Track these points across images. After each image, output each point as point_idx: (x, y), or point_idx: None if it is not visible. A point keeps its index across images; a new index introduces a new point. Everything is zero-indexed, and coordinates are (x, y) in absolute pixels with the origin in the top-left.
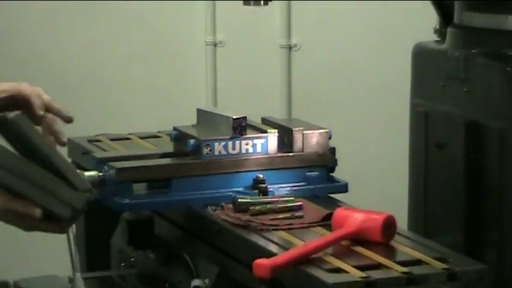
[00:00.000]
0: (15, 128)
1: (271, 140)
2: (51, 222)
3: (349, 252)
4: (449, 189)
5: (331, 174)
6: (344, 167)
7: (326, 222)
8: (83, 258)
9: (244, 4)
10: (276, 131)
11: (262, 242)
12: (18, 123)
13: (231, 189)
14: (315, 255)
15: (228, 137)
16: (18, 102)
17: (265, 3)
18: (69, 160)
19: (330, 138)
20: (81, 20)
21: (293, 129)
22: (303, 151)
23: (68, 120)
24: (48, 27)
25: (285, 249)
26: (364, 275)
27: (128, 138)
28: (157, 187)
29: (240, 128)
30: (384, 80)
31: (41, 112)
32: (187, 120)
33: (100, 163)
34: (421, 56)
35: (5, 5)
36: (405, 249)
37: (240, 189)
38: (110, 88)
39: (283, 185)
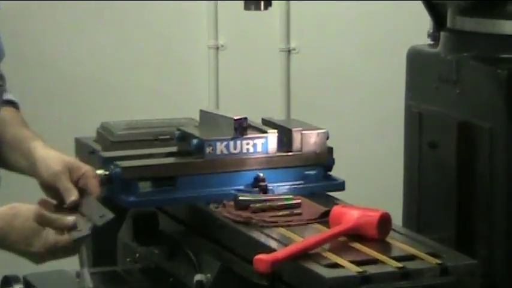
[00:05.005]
0: None
1: (271, 140)
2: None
3: (346, 248)
4: (442, 187)
5: (329, 172)
6: (341, 165)
7: (324, 219)
8: (90, 253)
9: (245, 9)
10: (276, 131)
11: (262, 238)
12: None
13: (232, 187)
14: (313, 251)
15: (230, 137)
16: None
17: (266, 7)
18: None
19: (327, 138)
20: (87, 25)
21: (292, 129)
22: (301, 150)
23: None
24: (54, 32)
25: (285, 245)
26: (361, 270)
27: None
28: (162, 185)
29: (241, 128)
30: (380, 82)
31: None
32: None
33: (106, 162)
34: (415, 59)
35: (11, 7)
36: (400, 244)
37: (241, 187)
38: (114, 90)
39: (282, 184)
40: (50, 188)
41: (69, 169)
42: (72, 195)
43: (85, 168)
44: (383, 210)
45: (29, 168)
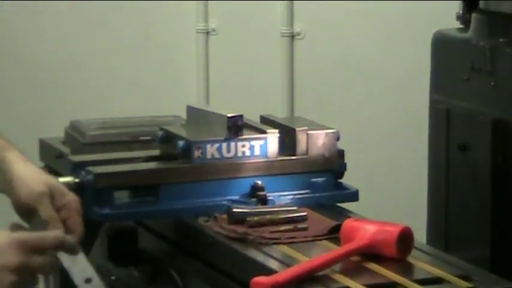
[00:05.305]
0: None
1: (271, 141)
2: None
3: (360, 269)
4: (474, 197)
5: (339, 180)
6: (354, 172)
7: (333, 235)
8: (58, 275)
9: None
10: (277, 131)
11: (261, 257)
12: None
13: (225, 198)
14: (321, 273)
15: (222, 138)
16: None
17: None
18: (42, 164)
19: (338, 140)
20: (52, 5)
21: (296, 129)
22: (307, 154)
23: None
24: (13, 14)
25: (287, 265)
26: None
27: None
28: (142, 195)
29: (236, 127)
30: (399, 73)
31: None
32: None
33: (76, 167)
34: (442, 45)
35: None
36: (424, 265)
37: (236, 197)
38: (86, 82)
39: (284, 193)
40: (26, 211)
41: (51, 193)
42: (58, 228)
43: (69, 197)
44: (403, 224)
45: (2, 183)
